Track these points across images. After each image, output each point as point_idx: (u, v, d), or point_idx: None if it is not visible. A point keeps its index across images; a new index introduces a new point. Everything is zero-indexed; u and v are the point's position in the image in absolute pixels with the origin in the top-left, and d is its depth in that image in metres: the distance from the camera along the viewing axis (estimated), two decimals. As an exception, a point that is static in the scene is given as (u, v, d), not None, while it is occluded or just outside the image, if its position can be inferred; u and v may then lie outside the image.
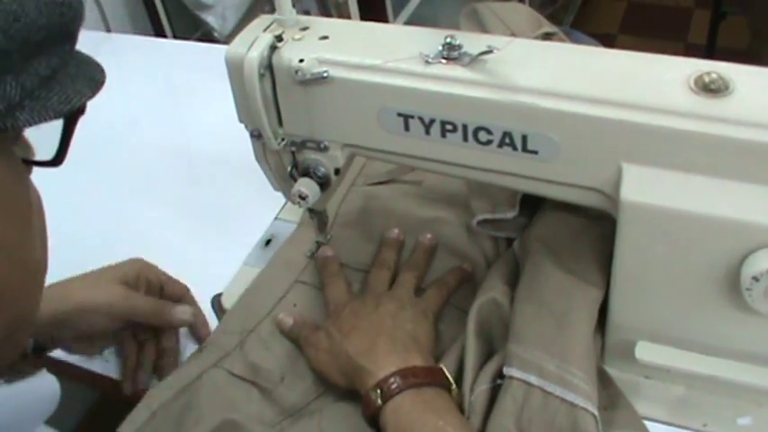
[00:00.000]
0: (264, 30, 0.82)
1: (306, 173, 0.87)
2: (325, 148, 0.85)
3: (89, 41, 1.69)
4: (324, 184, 0.87)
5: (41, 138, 0.55)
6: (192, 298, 1.01)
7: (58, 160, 0.56)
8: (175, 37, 1.97)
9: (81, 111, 0.53)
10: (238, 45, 0.81)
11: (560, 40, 1.14)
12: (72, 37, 0.51)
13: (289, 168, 0.89)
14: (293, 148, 0.87)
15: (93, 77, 0.53)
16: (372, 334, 0.86)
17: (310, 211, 0.98)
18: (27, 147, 0.55)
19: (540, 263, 0.87)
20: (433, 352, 0.88)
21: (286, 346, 0.95)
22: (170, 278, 1.01)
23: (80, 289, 0.91)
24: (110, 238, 1.16)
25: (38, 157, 0.55)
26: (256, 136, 0.86)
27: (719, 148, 0.68)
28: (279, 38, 0.81)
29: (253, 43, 0.80)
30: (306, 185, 0.86)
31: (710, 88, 0.70)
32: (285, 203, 1.13)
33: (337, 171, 0.87)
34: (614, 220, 0.74)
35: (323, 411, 0.87)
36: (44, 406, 0.54)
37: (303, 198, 0.86)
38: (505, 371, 0.81)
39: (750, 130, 0.67)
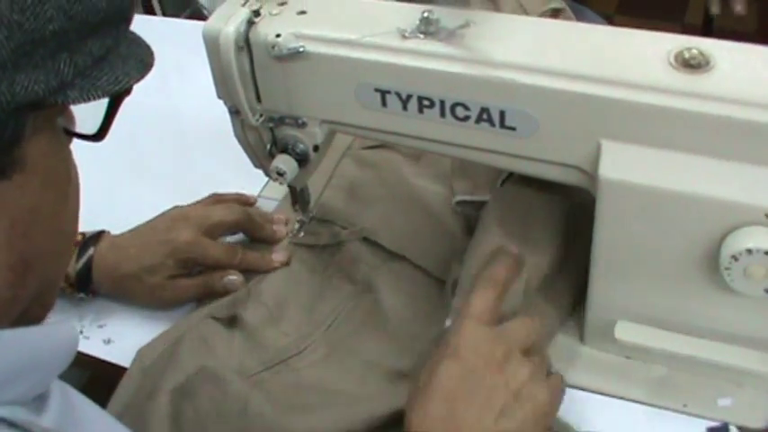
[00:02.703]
0: (243, 4, 0.81)
1: (284, 149, 0.87)
2: (304, 125, 0.84)
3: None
4: (302, 160, 0.87)
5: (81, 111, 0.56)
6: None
7: (100, 136, 0.58)
8: (165, 14, 1.95)
9: (128, 91, 0.55)
10: (215, 20, 0.80)
11: (567, 17, 1.14)
12: (127, 20, 0.54)
13: (268, 146, 0.88)
14: (272, 125, 0.86)
15: (142, 59, 0.55)
16: (461, 409, 0.70)
17: (291, 188, 0.97)
18: (70, 118, 0.57)
19: (488, 226, 0.87)
20: None
21: (275, 300, 0.96)
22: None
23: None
24: (92, 211, 1.15)
25: (78, 130, 0.58)
26: (235, 112, 0.86)
27: (699, 125, 0.67)
28: (256, 13, 0.80)
29: (230, 18, 0.78)
30: (284, 162, 0.85)
31: (691, 64, 0.69)
32: (268, 181, 1.12)
33: (316, 148, 0.86)
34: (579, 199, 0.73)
35: (301, 370, 0.89)
36: (63, 354, 0.55)
37: (281, 174, 0.85)
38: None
39: (730, 107, 0.66)
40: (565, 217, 0.85)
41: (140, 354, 0.92)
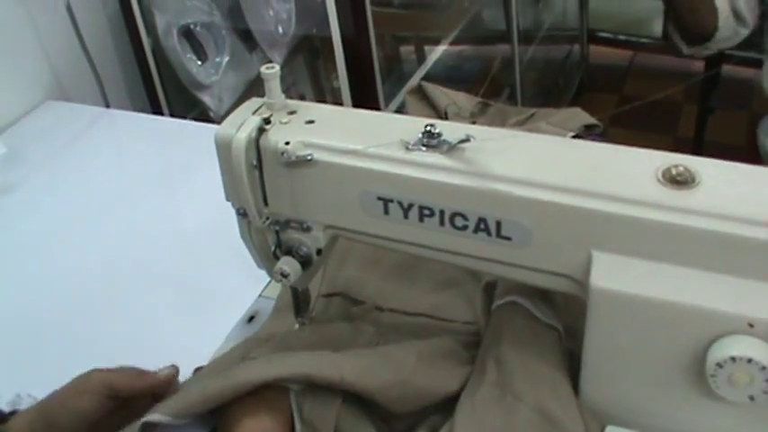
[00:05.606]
0: (254, 112, 0.86)
1: (289, 251, 0.90)
2: (308, 229, 0.88)
3: (88, 116, 1.73)
4: (306, 263, 0.90)
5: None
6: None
7: None
8: (172, 115, 2.00)
9: None
10: (228, 126, 0.84)
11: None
12: None
13: (273, 248, 0.91)
14: (277, 227, 0.89)
15: None
16: None
17: (292, 289, 1.00)
18: None
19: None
20: None
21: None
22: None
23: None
24: (95, 308, 1.17)
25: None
26: (242, 214, 0.89)
27: (685, 238, 0.70)
28: (267, 120, 0.84)
29: (242, 125, 0.82)
30: (288, 264, 0.88)
31: (677, 180, 0.72)
32: (269, 281, 1.15)
33: (319, 251, 0.89)
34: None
35: None
36: None
37: (285, 276, 0.88)
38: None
39: (714, 222, 0.69)
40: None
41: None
